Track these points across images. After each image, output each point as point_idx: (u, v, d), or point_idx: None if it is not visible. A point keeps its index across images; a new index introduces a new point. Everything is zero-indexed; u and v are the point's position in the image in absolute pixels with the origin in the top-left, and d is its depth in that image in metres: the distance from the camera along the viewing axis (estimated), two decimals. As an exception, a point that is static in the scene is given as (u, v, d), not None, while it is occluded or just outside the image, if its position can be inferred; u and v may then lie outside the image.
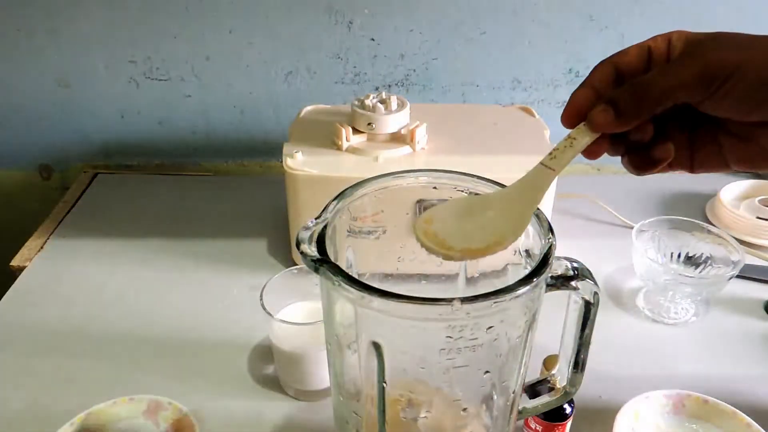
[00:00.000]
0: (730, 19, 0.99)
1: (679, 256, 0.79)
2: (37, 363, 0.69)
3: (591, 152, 0.39)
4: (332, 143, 0.79)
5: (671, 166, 0.41)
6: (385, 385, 0.42)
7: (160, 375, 0.67)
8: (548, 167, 0.39)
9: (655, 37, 0.38)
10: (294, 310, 0.66)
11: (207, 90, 1.04)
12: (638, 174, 0.40)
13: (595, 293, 0.45)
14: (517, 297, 0.38)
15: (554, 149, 0.39)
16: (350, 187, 0.48)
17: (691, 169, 0.41)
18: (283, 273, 0.64)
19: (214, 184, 1.05)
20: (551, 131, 0.85)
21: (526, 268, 0.45)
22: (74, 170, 1.10)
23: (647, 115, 0.36)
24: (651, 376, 0.68)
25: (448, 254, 0.39)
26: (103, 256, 0.86)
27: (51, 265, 0.84)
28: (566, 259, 0.45)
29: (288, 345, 0.62)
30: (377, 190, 0.49)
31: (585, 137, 0.38)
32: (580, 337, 0.48)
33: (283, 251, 0.87)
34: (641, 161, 0.39)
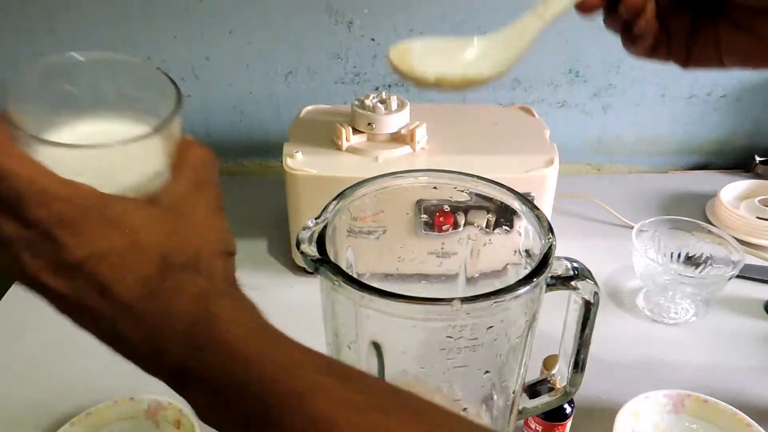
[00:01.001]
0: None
1: (679, 256, 0.79)
2: (37, 363, 0.69)
3: (586, 5, 0.40)
4: (332, 143, 0.79)
5: (666, 56, 0.40)
6: (385, 385, 0.42)
7: (160, 375, 0.67)
8: (539, 15, 0.39)
9: None
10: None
11: (207, 90, 1.04)
12: (634, 54, 0.40)
13: (595, 293, 0.45)
14: (517, 297, 0.38)
15: None
16: (350, 187, 0.48)
17: (686, 62, 0.40)
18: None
19: (214, 184, 1.04)
20: (551, 131, 0.85)
21: (526, 268, 0.45)
22: (74, 170, 1.10)
23: None
24: (651, 376, 0.68)
25: (421, 78, 0.37)
26: (103, 256, 0.86)
27: (51, 265, 0.84)
28: (566, 259, 0.45)
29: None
30: (377, 190, 0.49)
31: None
32: (580, 337, 0.48)
33: (283, 251, 0.87)
34: (630, 38, 0.39)
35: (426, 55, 0.39)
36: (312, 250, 0.40)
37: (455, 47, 0.40)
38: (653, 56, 0.41)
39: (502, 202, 0.49)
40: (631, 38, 0.39)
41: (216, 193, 0.33)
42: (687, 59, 0.40)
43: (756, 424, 0.58)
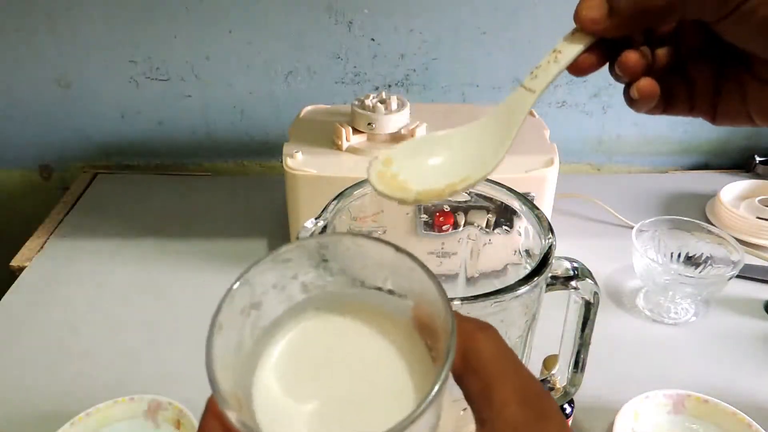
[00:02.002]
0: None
1: (679, 256, 0.79)
2: (37, 363, 0.69)
3: (578, 67, 0.33)
4: (332, 143, 0.79)
5: (689, 111, 0.35)
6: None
7: (160, 375, 0.67)
8: (528, 89, 0.33)
9: None
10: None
11: (207, 90, 1.04)
12: (635, 110, 0.34)
13: (595, 293, 0.45)
14: (517, 297, 0.38)
15: (536, 68, 0.33)
16: (350, 187, 0.48)
17: (713, 118, 0.35)
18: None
19: (214, 184, 1.05)
20: (551, 131, 0.85)
21: (526, 268, 0.45)
22: (74, 170, 1.10)
23: (646, 21, 0.31)
24: (651, 376, 0.68)
25: (402, 199, 0.33)
26: (103, 256, 0.86)
27: (51, 265, 0.84)
28: (566, 259, 0.45)
29: None
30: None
31: (572, 48, 0.32)
32: (580, 337, 0.48)
33: (283, 251, 0.87)
34: (628, 98, 0.34)
35: (410, 168, 0.34)
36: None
37: (442, 145, 0.35)
38: (671, 113, 0.36)
39: (502, 202, 0.49)
40: (628, 99, 0.34)
41: (549, 408, 0.24)
42: (714, 116, 0.35)
43: (756, 424, 0.58)
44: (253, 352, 0.26)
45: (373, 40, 1.00)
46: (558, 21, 0.98)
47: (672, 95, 0.35)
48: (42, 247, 0.87)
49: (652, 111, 0.34)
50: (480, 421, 0.24)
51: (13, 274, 0.83)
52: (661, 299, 0.77)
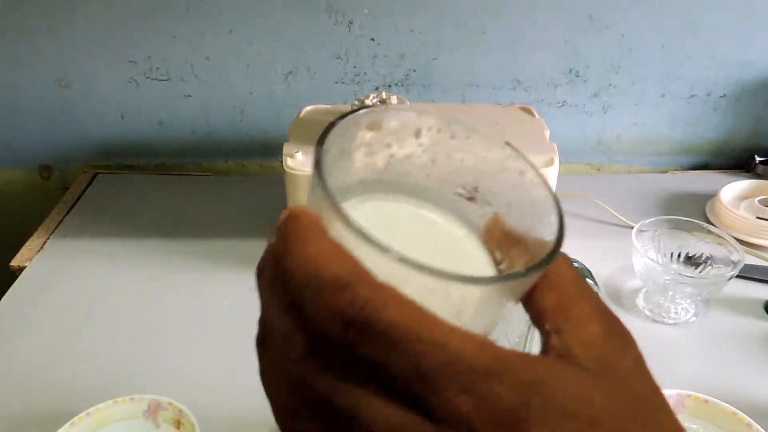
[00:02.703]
0: (731, 18, 0.99)
1: (679, 256, 0.79)
2: (37, 363, 0.69)
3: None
4: (332, 143, 0.79)
5: None
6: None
7: (160, 375, 0.67)
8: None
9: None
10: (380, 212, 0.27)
11: (207, 90, 1.04)
12: None
13: (596, 293, 0.45)
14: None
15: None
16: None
17: None
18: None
19: (214, 184, 1.05)
20: (551, 131, 0.85)
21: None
22: (74, 170, 1.10)
23: None
24: (651, 376, 0.68)
25: None
26: (103, 256, 0.86)
27: (51, 265, 0.84)
28: (566, 259, 0.45)
29: None
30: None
31: None
32: (580, 337, 0.48)
33: (283, 251, 0.87)
34: None
35: None
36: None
37: None
38: None
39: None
40: None
41: (629, 335, 0.24)
42: None
43: (756, 424, 0.58)
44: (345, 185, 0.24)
45: (373, 40, 1.00)
46: (558, 20, 0.98)
47: None
48: (42, 247, 0.87)
49: None
50: (556, 329, 0.22)
51: (13, 274, 0.83)
52: (661, 299, 0.77)
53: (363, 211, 0.25)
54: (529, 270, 0.22)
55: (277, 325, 0.21)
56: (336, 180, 0.23)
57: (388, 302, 0.18)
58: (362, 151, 0.26)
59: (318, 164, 0.22)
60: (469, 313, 0.21)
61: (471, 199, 0.27)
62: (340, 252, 0.19)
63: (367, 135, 0.25)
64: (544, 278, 0.23)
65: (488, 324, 0.23)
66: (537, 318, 0.23)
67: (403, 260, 0.19)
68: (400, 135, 0.26)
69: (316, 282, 0.19)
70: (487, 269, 0.26)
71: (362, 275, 0.19)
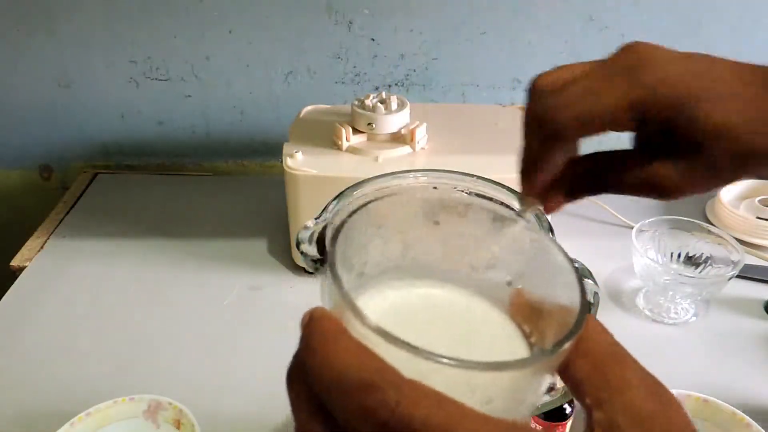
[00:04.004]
0: (730, 18, 0.98)
1: (679, 256, 0.79)
2: (37, 363, 0.69)
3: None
4: (332, 143, 0.79)
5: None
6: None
7: (160, 375, 0.67)
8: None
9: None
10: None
11: (207, 90, 1.04)
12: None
13: (596, 293, 0.45)
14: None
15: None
16: (350, 187, 0.48)
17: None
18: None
19: (214, 184, 1.05)
20: (551, 131, 0.84)
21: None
22: (74, 170, 1.10)
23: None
24: (651, 376, 0.68)
25: None
26: (103, 256, 0.86)
27: (51, 265, 0.84)
28: (566, 259, 0.45)
29: None
30: (377, 189, 0.49)
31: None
32: (580, 337, 0.47)
33: (283, 251, 0.87)
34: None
35: None
36: (312, 250, 0.40)
37: None
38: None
39: (502, 202, 0.49)
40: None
41: (668, 392, 0.23)
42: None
43: (756, 424, 0.58)
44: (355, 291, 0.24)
45: (373, 40, 1.00)
46: (558, 20, 0.98)
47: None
48: (42, 247, 0.87)
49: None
50: (596, 403, 0.22)
51: (13, 274, 0.83)
52: (661, 299, 0.77)
53: (382, 301, 0.25)
54: (556, 346, 0.21)
55: (308, 429, 0.21)
56: (352, 275, 0.23)
57: (419, 400, 0.18)
58: (375, 242, 0.26)
59: (333, 266, 0.22)
60: (503, 398, 0.21)
61: (490, 272, 0.27)
62: (363, 352, 0.19)
63: (378, 224, 0.25)
64: (577, 346, 0.23)
65: (528, 404, 0.23)
66: (575, 390, 0.23)
67: (426, 356, 0.19)
68: (409, 221, 0.26)
69: (344, 385, 0.19)
70: (517, 345, 0.25)
71: (389, 374, 0.19)
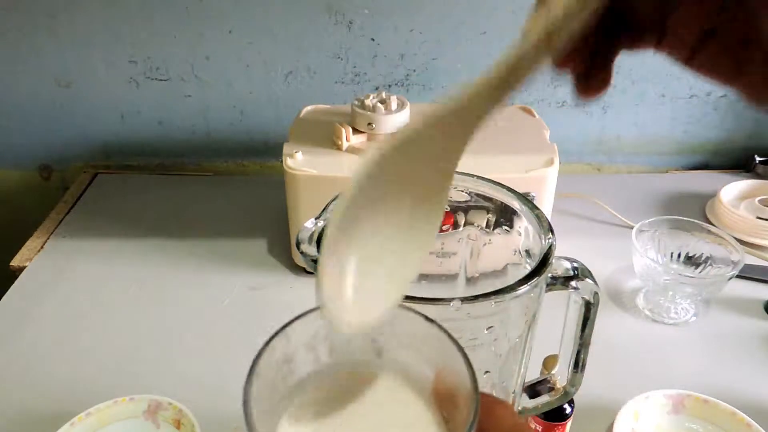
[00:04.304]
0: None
1: (679, 256, 0.79)
2: (37, 363, 0.69)
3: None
4: (332, 143, 0.79)
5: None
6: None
7: (160, 375, 0.67)
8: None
9: None
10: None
11: (207, 90, 1.04)
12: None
13: (595, 293, 0.45)
14: (517, 297, 0.38)
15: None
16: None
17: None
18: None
19: (214, 184, 1.05)
20: (551, 131, 0.85)
21: (526, 268, 0.45)
22: (74, 170, 1.10)
23: None
24: (651, 376, 0.68)
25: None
26: (103, 256, 0.86)
27: (51, 265, 0.84)
28: (566, 259, 0.45)
29: None
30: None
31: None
32: (580, 337, 0.48)
33: (283, 251, 0.87)
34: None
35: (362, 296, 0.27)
36: (312, 250, 0.40)
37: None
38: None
39: (502, 202, 0.49)
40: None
41: None
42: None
43: (756, 424, 0.58)
44: (278, 405, 0.27)
45: (373, 40, 1.00)
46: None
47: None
48: (42, 247, 0.87)
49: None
50: None
51: (13, 274, 0.83)
52: (661, 299, 0.77)
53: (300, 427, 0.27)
54: None
55: None
56: (266, 410, 0.26)
57: None
58: (301, 352, 0.28)
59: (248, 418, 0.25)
60: None
61: (412, 363, 0.28)
62: None
63: (276, 361, 0.27)
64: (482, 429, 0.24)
65: None
66: None
67: None
68: (301, 355, 0.28)
69: None
70: None
71: None
